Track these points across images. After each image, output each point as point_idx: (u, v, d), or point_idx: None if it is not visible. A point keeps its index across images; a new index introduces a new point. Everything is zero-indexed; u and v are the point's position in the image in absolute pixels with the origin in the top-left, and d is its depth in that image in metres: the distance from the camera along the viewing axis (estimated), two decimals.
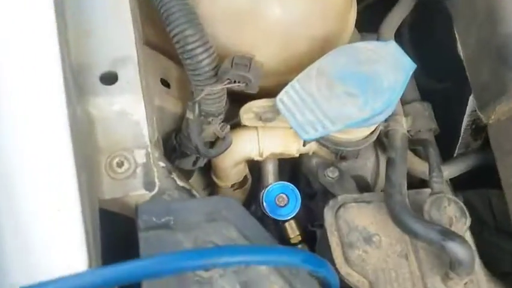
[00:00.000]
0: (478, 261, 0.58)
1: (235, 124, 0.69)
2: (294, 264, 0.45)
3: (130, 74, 0.54)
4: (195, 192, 0.53)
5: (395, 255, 0.58)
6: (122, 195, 0.51)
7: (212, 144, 0.67)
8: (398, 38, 0.89)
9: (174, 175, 0.54)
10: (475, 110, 0.77)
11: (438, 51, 0.79)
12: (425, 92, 0.80)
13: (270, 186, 0.71)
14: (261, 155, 0.71)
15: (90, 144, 0.52)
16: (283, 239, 0.73)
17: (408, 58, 0.60)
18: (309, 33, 0.64)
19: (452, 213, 0.57)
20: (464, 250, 0.52)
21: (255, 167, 0.79)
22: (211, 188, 0.79)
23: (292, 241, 0.73)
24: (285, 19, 0.63)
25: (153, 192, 0.52)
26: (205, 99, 0.60)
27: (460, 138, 0.81)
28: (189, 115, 0.59)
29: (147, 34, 0.65)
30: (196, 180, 0.77)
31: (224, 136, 0.65)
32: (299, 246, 0.73)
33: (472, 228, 0.67)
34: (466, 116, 0.77)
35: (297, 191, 0.71)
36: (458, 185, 0.73)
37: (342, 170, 0.71)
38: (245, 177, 0.78)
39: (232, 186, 0.77)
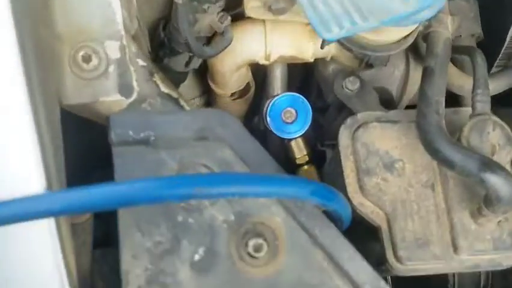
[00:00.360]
0: None
1: (238, 15, 0.56)
2: (301, 197, 0.36)
3: None
4: (183, 103, 0.42)
5: (419, 185, 0.49)
6: (91, 101, 0.41)
7: (208, 40, 0.55)
8: None
9: (157, 78, 0.43)
10: None
11: None
12: None
13: (276, 98, 0.60)
14: (267, 57, 0.59)
15: (46, 30, 0.40)
16: (287, 158, 0.65)
17: None
18: None
19: (496, 140, 0.47)
20: (507, 185, 0.43)
21: (259, 72, 0.67)
22: (207, 96, 0.69)
23: (299, 161, 0.65)
24: None
25: (130, 99, 0.41)
26: None
27: (504, 47, 0.68)
28: None
29: None
30: (189, 85, 0.66)
31: (223, 30, 0.53)
32: (305, 167, 0.65)
33: None
34: None
35: (308, 104, 0.60)
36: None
37: (364, 81, 0.59)
38: (247, 84, 0.67)
39: (232, 95, 0.66)
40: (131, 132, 0.38)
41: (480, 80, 0.50)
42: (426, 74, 0.51)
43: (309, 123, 0.60)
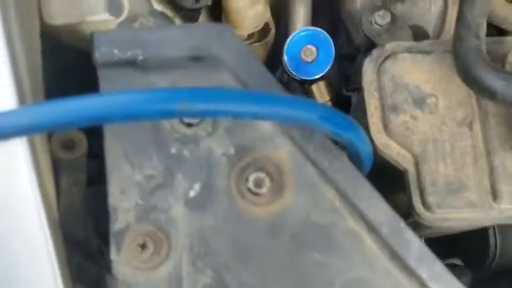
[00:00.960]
0: None
1: None
2: (308, 120, 0.30)
3: None
4: (178, 22, 0.37)
5: (453, 123, 0.43)
6: (77, 21, 0.37)
7: None
8: None
9: None
10: None
11: None
12: None
13: (295, 33, 0.55)
14: None
15: None
16: None
17: None
18: None
19: None
20: None
21: (281, 14, 0.62)
22: None
23: None
24: None
25: (120, 18, 0.37)
26: None
27: None
28: None
29: None
30: None
31: None
32: None
33: None
34: None
35: (331, 40, 0.54)
36: None
37: (396, 15, 0.52)
38: (266, 25, 0.61)
39: (250, 37, 0.61)
40: (116, 51, 0.34)
41: None
42: None
43: (331, 62, 0.54)
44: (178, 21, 0.38)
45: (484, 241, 0.66)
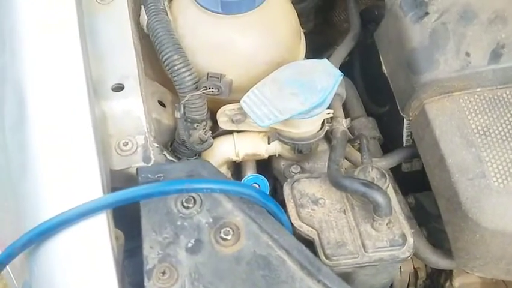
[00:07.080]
0: (398, 209, 0.75)
1: (218, 135, 0.90)
2: (250, 194, 0.63)
3: (132, 85, 0.77)
4: None
5: (335, 211, 0.75)
6: (127, 167, 0.71)
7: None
8: (351, 69, 1.13)
9: (166, 152, 0.74)
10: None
11: (382, 81, 1.00)
12: (373, 115, 1.01)
13: (245, 177, 0.90)
14: (237, 155, 0.90)
15: (105, 132, 0.73)
16: None
17: (337, 69, 0.83)
18: (266, 60, 0.88)
19: (374, 175, 0.75)
20: (380, 195, 0.69)
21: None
22: None
23: None
24: (247, 50, 0.87)
25: (149, 164, 0.72)
26: (189, 107, 0.82)
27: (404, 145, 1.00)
28: (176, 114, 0.81)
29: (148, 73, 0.89)
30: None
31: (207, 139, 0.86)
32: None
33: (422, 220, 0.85)
34: (404, 128, 0.97)
35: (266, 180, 0.89)
36: (412, 187, 0.91)
37: (305, 168, 0.90)
38: None
39: None
40: (150, 175, 0.67)
41: (364, 148, 0.82)
42: (331, 148, 0.82)
43: (268, 191, 0.88)
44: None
45: None
